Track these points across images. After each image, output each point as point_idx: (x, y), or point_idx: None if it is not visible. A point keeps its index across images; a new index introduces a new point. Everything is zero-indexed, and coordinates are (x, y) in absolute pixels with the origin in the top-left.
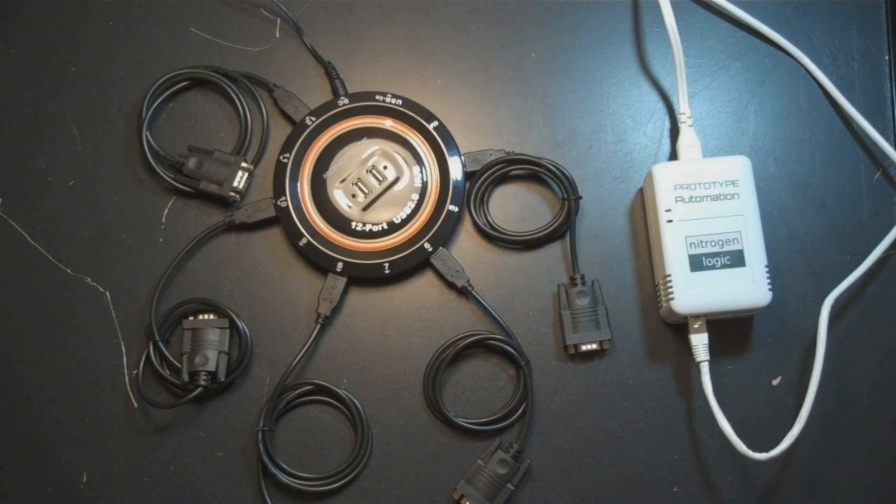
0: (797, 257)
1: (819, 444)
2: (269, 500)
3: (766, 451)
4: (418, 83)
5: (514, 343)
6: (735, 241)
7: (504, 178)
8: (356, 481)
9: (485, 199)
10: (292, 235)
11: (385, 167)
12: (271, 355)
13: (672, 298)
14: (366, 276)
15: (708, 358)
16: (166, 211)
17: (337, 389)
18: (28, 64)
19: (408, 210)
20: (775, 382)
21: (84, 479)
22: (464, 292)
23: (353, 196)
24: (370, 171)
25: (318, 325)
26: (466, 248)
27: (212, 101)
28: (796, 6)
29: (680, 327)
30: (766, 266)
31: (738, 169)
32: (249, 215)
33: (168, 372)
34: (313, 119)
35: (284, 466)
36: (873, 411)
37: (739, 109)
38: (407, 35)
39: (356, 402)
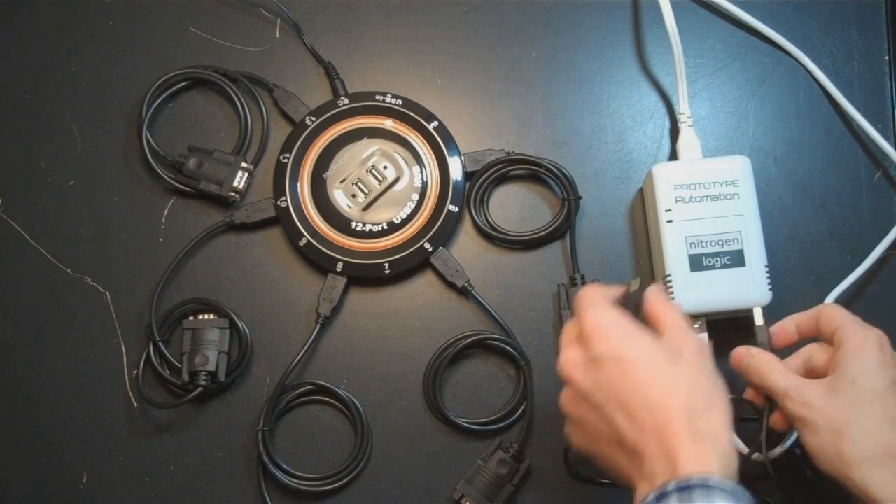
0: (797, 257)
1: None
2: (269, 500)
3: (766, 451)
4: (418, 83)
5: (514, 343)
6: (735, 240)
7: (504, 178)
8: (356, 481)
9: (485, 199)
10: (292, 235)
11: (385, 167)
12: (271, 355)
13: (672, 298)
14: (366, 276)
15: None
16: (166, 211)
17: (337, 389)
18: (28, 64)
19: (408, 210)
20: None
21: (84, 479)
22: (464, 292)
23: (353, 196)
24: (370, 171)
25: (318, 325)
26: (466, 248)
27: (212, 101)
28: (796, 6)
29: None
30: (767, 266)
31: (738, 169)
32: (249, 215)
33: (168, 372)
34: (313, 119)
35: (284, 466)
36: None
37: (739, 109)
38: (407, 35)
39: (356, 402)
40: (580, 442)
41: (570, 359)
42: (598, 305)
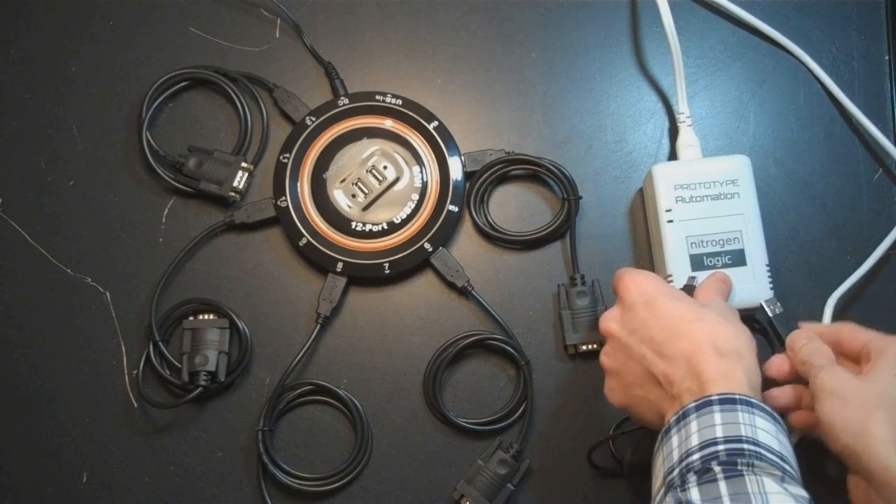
0: (797, 257)
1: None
2: (269, 500)
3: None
4: (418, 83)
5: (514, 343)
6: (736, 240)
7: (504, 178)
8: (356, 481)
9: (485, 199)
10: (292, 235)
11: (385, 167)
12: (271, 355)
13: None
14: (366, 276)
15: None
16: (166, 211)
17: (337, 389)
18: (28, 64)
19: (408, 210)
20: None
21: (84, 479)
22: (464, 292)
23: (353, 196)
24: (370, 171)
25: (318, 325)
26: (466, 248)
27: (212, 101)
28: (796, 6)
29: None
30: (767, 265)
31: (738, 168)
32: (249, 215)
33: (168, 372)
34: (313, 119)
35: (284, 466)
36: None
37: (739, 109)
38: (407, 35)
39: (356, 402)
40: (618, 395)
41: (609, 315)
42: (635, 270)
